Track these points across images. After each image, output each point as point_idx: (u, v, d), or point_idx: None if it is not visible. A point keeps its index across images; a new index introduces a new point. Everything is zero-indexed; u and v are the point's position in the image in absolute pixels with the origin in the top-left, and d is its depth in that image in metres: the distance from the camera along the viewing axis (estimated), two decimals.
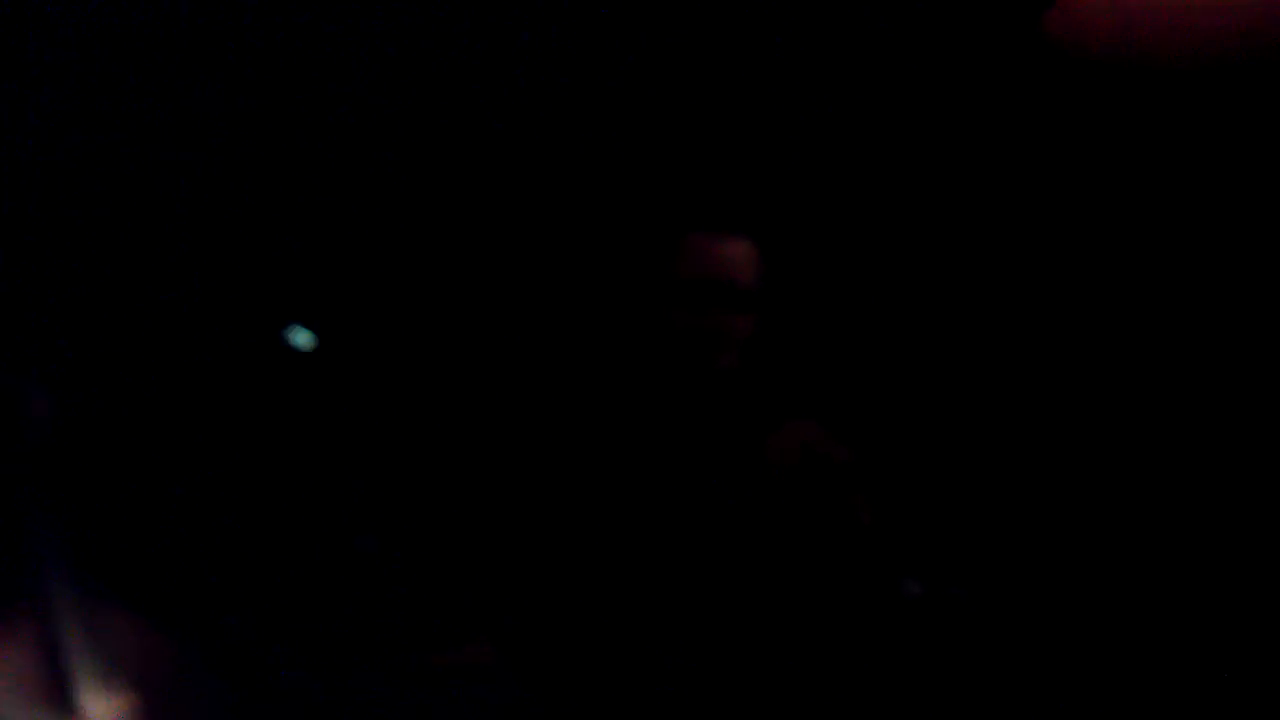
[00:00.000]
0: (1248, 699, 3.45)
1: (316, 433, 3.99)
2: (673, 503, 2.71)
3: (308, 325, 4.16)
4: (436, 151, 4.01)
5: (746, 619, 2.70)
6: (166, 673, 2.78)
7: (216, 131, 3.86)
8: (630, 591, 2.67)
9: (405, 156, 4.01)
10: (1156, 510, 3.76)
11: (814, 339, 3.80)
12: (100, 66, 3.64)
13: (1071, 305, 3.89)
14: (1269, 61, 2.95)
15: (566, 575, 2.69)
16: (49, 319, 3.61)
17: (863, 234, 3.99)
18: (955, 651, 3.24)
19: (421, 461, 3.88)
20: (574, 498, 2.72)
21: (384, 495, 3.84)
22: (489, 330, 4.05)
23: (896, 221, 4.00)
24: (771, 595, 2.71)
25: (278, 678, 3.45)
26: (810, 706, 2.69)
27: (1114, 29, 2.70)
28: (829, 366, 3.81)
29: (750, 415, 2.80)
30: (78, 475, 2.91)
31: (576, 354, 3.51)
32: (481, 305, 4.08)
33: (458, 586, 2.80)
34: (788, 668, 2.69)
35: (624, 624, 2.65)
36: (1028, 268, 3.92)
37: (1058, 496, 3.81)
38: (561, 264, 3.93)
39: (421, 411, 4.00)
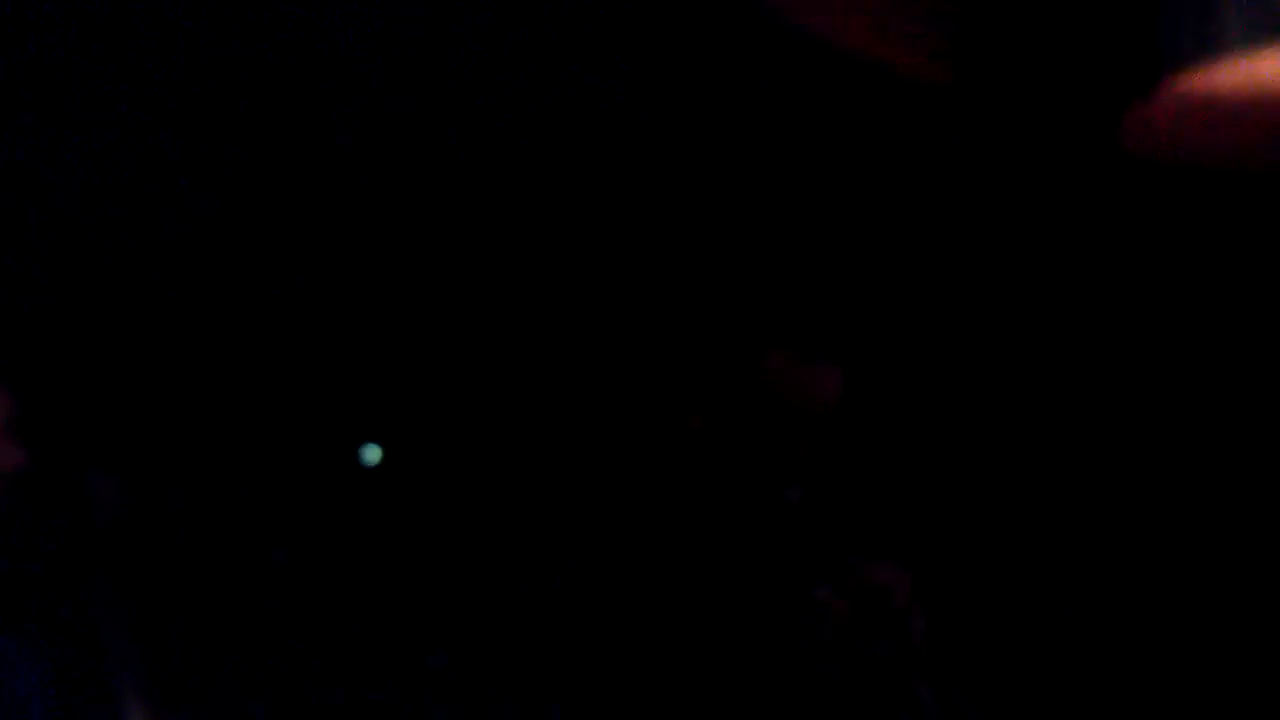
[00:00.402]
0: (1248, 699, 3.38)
1: (379, 542, 4.02)
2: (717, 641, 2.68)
3: (377, 441, 4.21)
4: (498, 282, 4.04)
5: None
6: None
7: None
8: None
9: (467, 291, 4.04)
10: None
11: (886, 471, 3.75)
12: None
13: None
14: None
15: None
16: (125, 418, 3.66)
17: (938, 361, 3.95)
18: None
19: (481, 576, 3.90)
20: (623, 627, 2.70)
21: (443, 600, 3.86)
22: (559, 446, 4.06)
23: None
24: None
25: None
26: None
27: (1203, 134, 2.65)
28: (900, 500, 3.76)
29: (815, 554, 2.76)
30: (146, 569, 2.96)
31: (637, 467, 3.49)
32: (551, 421, 4.10)
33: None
34: None
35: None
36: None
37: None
38: (631, 371, 3.92)
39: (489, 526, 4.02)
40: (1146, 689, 3.50)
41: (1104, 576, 3.64)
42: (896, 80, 2.41)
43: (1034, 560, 3.72)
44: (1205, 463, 3.67)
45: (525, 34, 3.60)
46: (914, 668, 2.66)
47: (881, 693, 2.64)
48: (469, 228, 4.00)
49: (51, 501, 3.02)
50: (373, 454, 4.25)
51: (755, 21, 3.26)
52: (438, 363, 4.17)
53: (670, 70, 3.66)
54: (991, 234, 3.81)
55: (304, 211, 3.90)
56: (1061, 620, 3.63)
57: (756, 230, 3.87)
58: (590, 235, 3.95)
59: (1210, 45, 1.85)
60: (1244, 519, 3.62)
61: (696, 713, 2.62)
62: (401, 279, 4.08)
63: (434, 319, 4.12)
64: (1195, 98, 2.14)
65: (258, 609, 3.75)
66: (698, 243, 3.92)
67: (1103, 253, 3.74)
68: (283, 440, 4.10)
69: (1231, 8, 1.78)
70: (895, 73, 2.35)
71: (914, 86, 2.46)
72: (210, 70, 3.58)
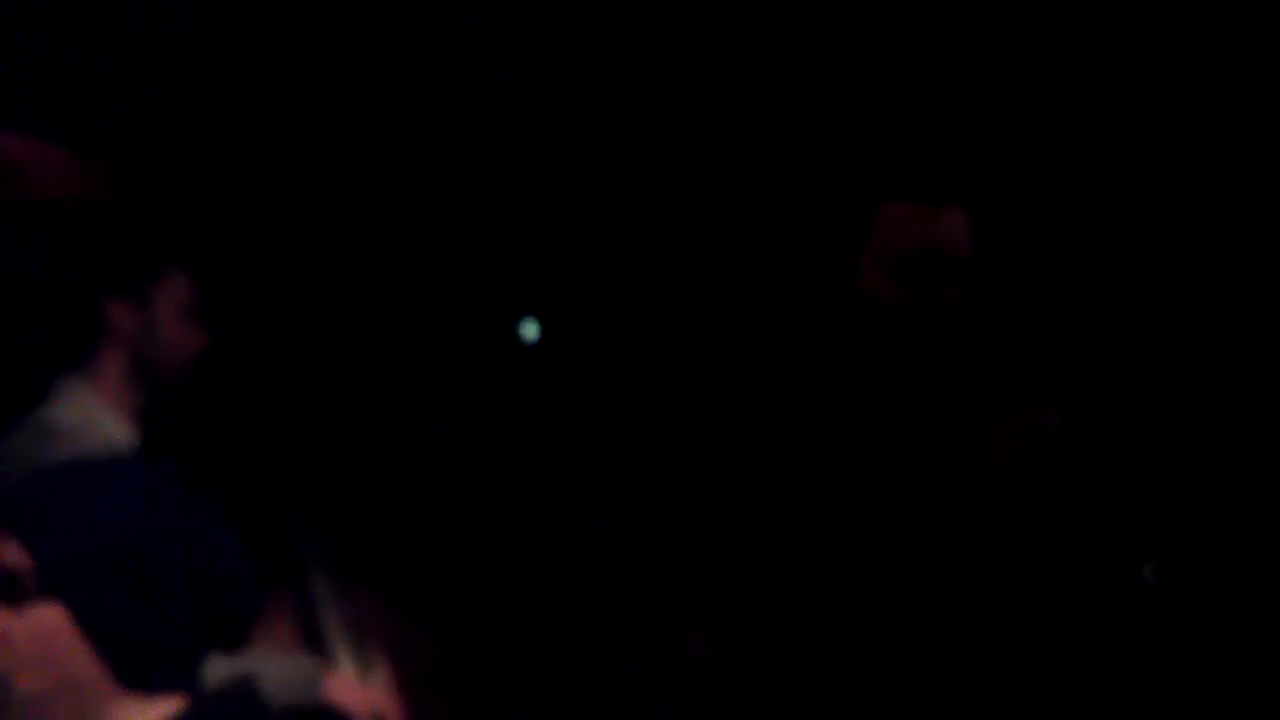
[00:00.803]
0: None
1: (548, 424, 4.08)
2: (879, 489, 2.64)
3: (535, 317, 4.27)
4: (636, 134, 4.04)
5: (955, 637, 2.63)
6: (417, 652, 2.90)
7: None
8: (827, 593, 2.62)
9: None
10: None
11: (1034, 313, 3.71)
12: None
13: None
14: None
15: (768, 569, 2.66)
16: (291, 316, 3.75)
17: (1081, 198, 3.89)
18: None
19: (638, 450, 3.93)
20: (776, 488, 2.68)
21: (607, 483, 3.90)
22: (693, 314, 4.07)
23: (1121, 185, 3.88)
24: (985, 602, 2.63)
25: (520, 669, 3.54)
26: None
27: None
28: (1050, 344, 3.71)
29: (967, 397, 2.75)
30: (327, 466, 3.06)
31: (776, 333, 3.48)
32: (687, 288, 4.11)
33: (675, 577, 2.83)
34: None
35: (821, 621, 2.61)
36: None
37: None
38: (762, 238, 3.90)
39: (638, 399, 4.05)
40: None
41: None
42: None
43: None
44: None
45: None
46: (1072, 495, 2.63)
47: (1041, 518, 2.62)
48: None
49: (230, 382, 3.13)
50: (532, 330, 4.32)
51: None
52: (594, 238, 4.20)
53: None
54: None
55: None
56: None
57: (871, 81, 3.81)
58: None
59: None
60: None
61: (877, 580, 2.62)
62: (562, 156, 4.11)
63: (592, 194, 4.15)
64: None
65: (437, 516, 3.82)
66: (815, 97, 3.88)
67: None
68: (445, 315, 4.17)
69: None
70: None
71: None
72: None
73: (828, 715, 2.61)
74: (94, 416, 2.77)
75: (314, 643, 2.76)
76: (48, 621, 1.79)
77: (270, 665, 2.55)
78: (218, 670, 2.57)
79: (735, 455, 2.74)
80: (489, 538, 3.86)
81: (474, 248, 4.17)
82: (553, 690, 3.63)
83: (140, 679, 1.87)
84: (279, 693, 2.49)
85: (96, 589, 2.46)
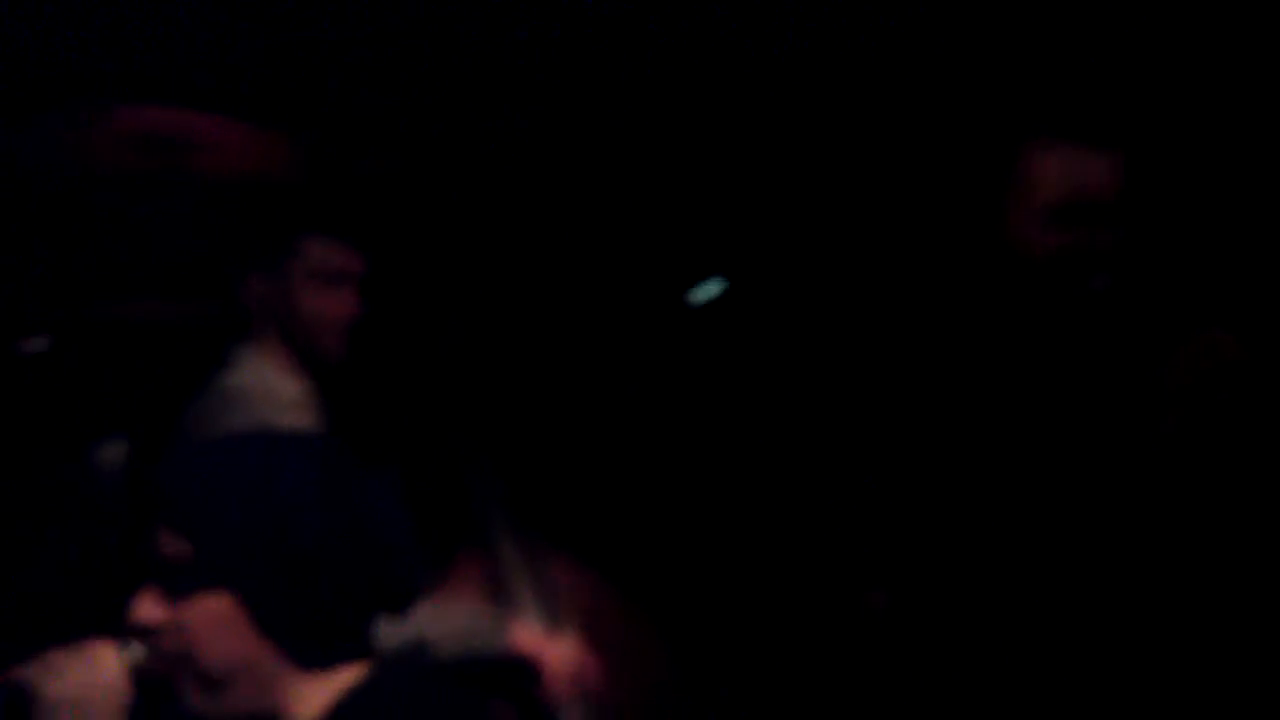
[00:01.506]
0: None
1: (734, 389, 4.03)
2: (1056, 444, 2.59)
3: (717, 278, 4.21)
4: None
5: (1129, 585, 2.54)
6: (606, 616, 2.86)
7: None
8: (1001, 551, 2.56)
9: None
10: None
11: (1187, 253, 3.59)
12: None
13: None
14: None
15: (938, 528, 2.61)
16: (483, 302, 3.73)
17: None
18: None
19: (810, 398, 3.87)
20: (945, 444, 2.63)
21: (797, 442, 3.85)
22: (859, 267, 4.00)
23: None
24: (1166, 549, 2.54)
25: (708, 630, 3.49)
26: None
27: None
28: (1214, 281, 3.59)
29: (1138, 336, 2.64)
30: (518, 429, 3.03)
31: (935, 285, 3.38)
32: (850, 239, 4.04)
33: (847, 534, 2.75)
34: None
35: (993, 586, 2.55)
36: None
37: None
38: (920, 187, 3.84)
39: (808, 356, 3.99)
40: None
41: None
42: None
43: None
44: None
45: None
46: (1258, 424, 2.55)
47: (1228, 449, 2.54)
48: None
49: (404, 346, 3.10)
50: (710, 290, 4.26)
51: None
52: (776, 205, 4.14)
53: None
54: None
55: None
56: None
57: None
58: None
59: None
60: None
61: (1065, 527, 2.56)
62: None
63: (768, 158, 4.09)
64: None
65: (619, 447, 3.79)
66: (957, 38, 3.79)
67: None
68: (627, 278, 4.13)
69: None
70: None
71: None
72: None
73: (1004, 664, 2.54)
74: (270, 381, 2.77)
75: (502, 603, 2.73)
76: (217, 608, 1.81)
77: (447, 618, 2.52)
78: (394, 632, 2.53)
79: (916, 414, 2.70)
80: (683, 504, 3.81)
81: (656, 207, 4.12)
82: (746, 663, 3.58)
83: (313, 654, 1.87)
84: (458, 646, 2.47)
85: (264, 562, 2.46)
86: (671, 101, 3.94)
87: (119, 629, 1.81)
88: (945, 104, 3.85)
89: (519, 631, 2.61)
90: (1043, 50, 3.76)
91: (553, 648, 2.61)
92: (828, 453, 3.73)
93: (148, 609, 1.79)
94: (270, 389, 2.76)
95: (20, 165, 3.50)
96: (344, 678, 1.87)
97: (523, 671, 2.57)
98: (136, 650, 1.81)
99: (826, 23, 3.75)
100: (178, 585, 1.80)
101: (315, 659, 1.87)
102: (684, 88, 3.89)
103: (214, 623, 1.80)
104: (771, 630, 3.65)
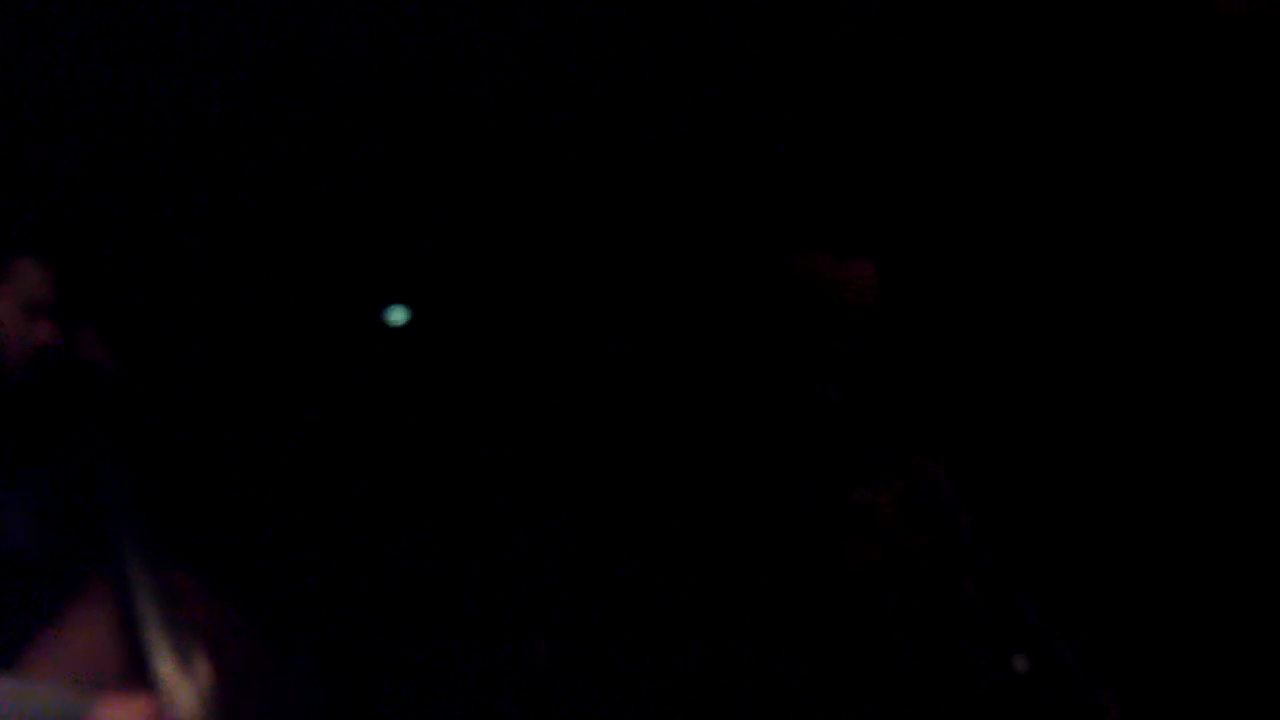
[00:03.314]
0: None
1: (404, 401, 3.96)
2: (766, 549, 2.57)
3: (404, 302, 4.14)
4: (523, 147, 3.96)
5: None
6: (243, 645, 2.76)
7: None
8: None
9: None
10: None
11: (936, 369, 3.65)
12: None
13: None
14: None
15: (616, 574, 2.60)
16: (130, 293, 3.61)
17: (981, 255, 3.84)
18: None
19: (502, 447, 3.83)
20: (657, 517, 2.61)
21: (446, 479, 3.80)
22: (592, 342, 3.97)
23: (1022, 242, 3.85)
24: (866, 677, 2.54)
25: (355, 656, 3.43)
26: None
27: None
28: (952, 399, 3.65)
29: (857, 454, 2.64)
30: (152, 444, 2.90)
31: (682, 374, 3.38)
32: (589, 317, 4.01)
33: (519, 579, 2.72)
34: None
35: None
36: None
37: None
38: (674, 284, 3.83)
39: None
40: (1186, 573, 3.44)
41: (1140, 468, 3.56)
42: None
43: (1072, 454, 3.65)
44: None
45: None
46: (960, 564, 2.56)
47: (927, 590, 2.55)
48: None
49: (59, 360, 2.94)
50: (399, 314, 4.18)
51: None
52: (464, 224, 4.09)
53: None
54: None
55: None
56: (1104, 512, 3.55)
57: (788, 131, 3.78)
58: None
59: None
60: None
61: (735, 619, 2.54)
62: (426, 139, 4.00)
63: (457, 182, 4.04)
64: None
65: (276, 470, 3.70)
66: (730, 145, 3.83)
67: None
68: (308, 299, 4.04)
69: None
70: None
71: None
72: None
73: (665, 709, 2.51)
74: None
75: (129, 630, 2.61)
76: None
77: (23, 699, 2.42)
78: None
79: (592, 453, 2.69)
80: (329, 528, 3.71)
81: (337, 231, 4.03)
82: (387, 686, 3.51)
83: None
84: None
85: None
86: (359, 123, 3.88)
87: None
88: (698, 197, 3.85)
89: (104, 704, 2.48)
90: (803, 162, 3.80)
91: (143, 711, 2.50)
92: (505, 486, 3.70)
93: None
94: None
95: None
96: None
97: None
98: None
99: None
100: None
101: None
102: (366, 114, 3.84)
103: None
104: (416, 654, 3.59)
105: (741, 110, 3.82)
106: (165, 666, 2.61)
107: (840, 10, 3.68)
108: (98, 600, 2.65)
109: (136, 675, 2.59)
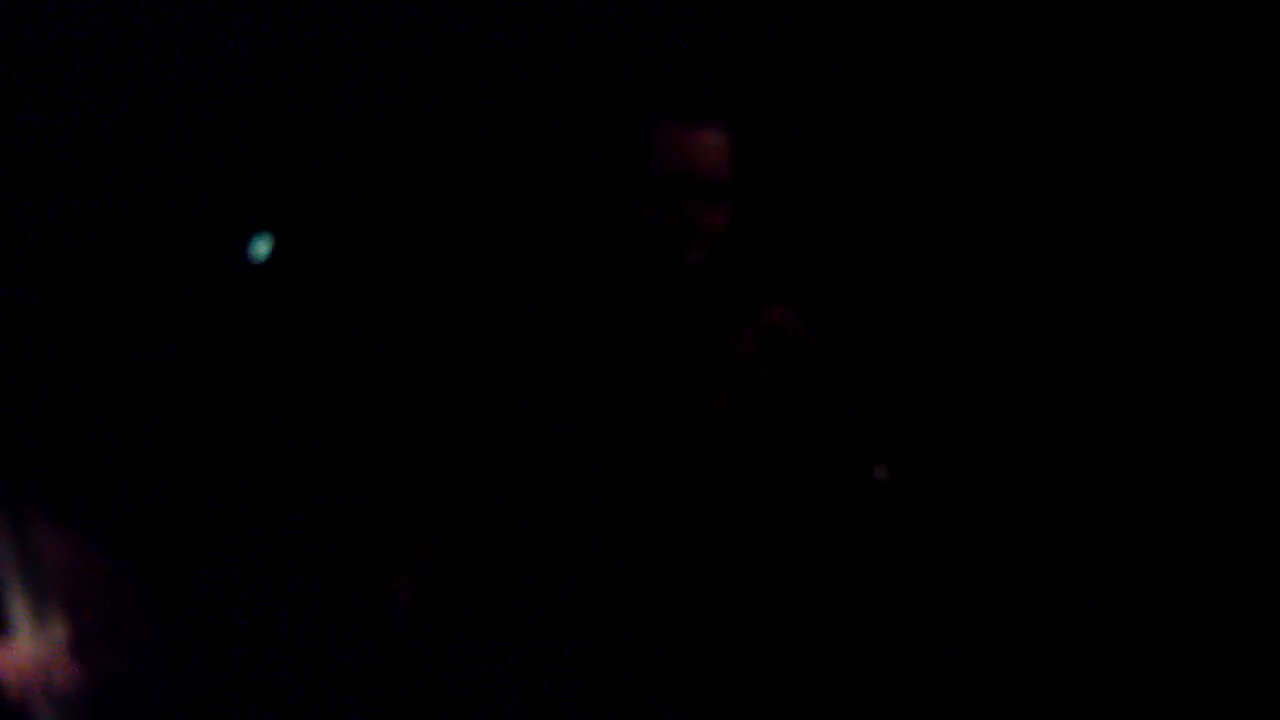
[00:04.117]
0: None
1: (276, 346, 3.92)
2: (633, 408, 2.61)
3: (268, 233, 4.08)
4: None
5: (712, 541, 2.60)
6: (100, 598, 2.74)
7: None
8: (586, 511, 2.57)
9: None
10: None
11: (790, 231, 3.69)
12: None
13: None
14: None
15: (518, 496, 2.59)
16: None
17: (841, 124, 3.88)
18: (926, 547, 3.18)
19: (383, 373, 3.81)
20: (531, 398, 2.62)
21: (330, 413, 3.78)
22: (449, 229, 3.96)
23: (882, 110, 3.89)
24: (740, 497, 2.61)
25: (214, 603, 3.41)
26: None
27: None
28: (805, 260, 3.71)
29: (719, 310, 2.68)
30: (11, 396, 2.86)
31: (536, 248, 3.38)
32: (442, 202, 3.99)
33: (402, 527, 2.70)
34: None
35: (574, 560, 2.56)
36: None
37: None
38: (526, 155, 3.83)
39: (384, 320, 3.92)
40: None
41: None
42: None
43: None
44: None
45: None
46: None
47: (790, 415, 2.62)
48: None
49: None
50: (264, 247, 4.12)
51: None
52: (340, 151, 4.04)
53: None
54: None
55: None
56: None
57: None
58: None
59: None
60: None
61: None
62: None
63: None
64: None
65: (128, 437, 3.64)
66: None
67: None
68: (169, 231, 3.97)
69: None
70: None
71: None
72: None
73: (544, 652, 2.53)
74: None
75: None
76: None
77: None
78: None
79: (458, 386, 2.67)
80: (195, 469, 3.68)
81: (201, 160, 3.96)
82: (250, 637, 3.50)
83: None
84: None
85: None
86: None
87: None
88: (550, 74, 3.84)
89: None
90: (655, 30, 3.79)
91: (13, 658, 2.48)
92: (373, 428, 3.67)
93: None
94: None
95: None
96: None
97: None
98: None
99: None
100: None
101: None
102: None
103: None
104: (282, 609, 3.58)
105: None
106: (20, 616, 2.59)
107: None
108: None
109: None
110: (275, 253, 4.08)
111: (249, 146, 3.99)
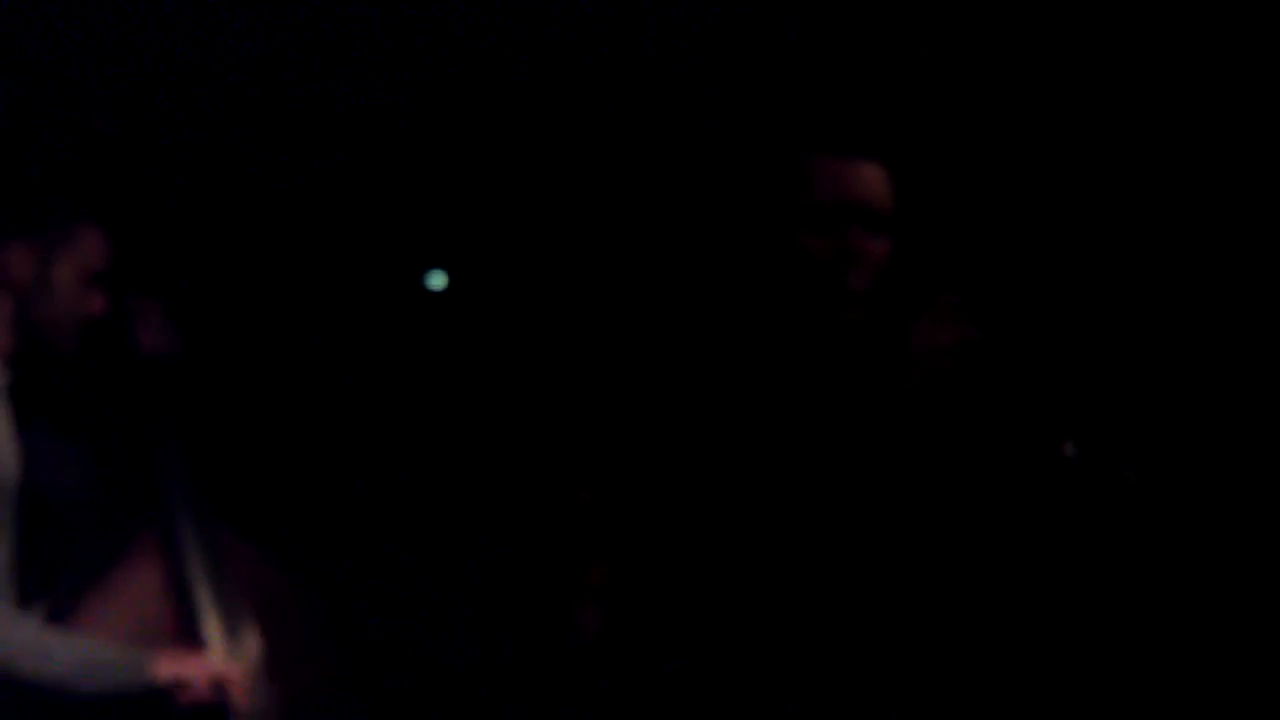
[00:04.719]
0: None
1: (441, 375, 3.97)
2: (815, 411, 2.62)
3: (443, 267, 4.14)
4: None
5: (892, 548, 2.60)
6: (288, 608, 2.78)
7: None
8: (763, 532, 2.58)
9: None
10: None
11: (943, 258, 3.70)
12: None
13: None
14: None
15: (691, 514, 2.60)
16: (175, 251, 3.61)
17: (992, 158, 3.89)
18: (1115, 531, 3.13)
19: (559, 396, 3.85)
20: (706, 428, 2.63)
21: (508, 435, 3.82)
22: (623, 264, 4.00)
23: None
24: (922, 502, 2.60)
25: (393, 619, 3.44)
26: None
27: None
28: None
29: (886, 334, 2.70)
30: (203, 410, 2.92)
31: (703, 282, 3.40)
32: (614, 239, 4.04)
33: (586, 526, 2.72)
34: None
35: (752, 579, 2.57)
36: None
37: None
38: (689, 189, 3.86)
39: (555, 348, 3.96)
40: None
41: None
42: None
43: None
44: None
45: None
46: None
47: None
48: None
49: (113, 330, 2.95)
50: (439, 279, 4.19)
51: None
52: (506, 192, 4.10)
53: None
54: None
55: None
56: None
57: None
58: None
59: None
60: None
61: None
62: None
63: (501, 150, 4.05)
64: None
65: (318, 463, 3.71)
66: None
67: None
68: (350, 264, 4.05)
69: None
70: None
71: None
72: None
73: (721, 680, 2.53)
74: None
75: (176, 589, 2.64)
76: None
77: (81, 650, 2.49)
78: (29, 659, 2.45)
79: (638, 413, 2.69)
80: (382, 497, 3.73)
81: (380, 197, 4.04)
82: (428, 656, 3.53)
83: None
84: (91, 680, 2.45)
85: None
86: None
87: None
88: (717, 110, 3.88)
89: (166, 659, 2.53)
90: (817, 64, 3.82)
91: (205, 666, 2.54)
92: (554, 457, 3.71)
93: None
94: None
95: None
96: None
97: (167, 700, 2.51)
98: None
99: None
100: None
101: None
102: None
103: None
104: (457, 631, 3.61)
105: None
106: (213, 627, 2.64)
107: None
108: (148, 561, 2.68)
109: (185, 635, 2.62)
110: (452, 283, 4.15)
111: (428, 185, 4.07)
